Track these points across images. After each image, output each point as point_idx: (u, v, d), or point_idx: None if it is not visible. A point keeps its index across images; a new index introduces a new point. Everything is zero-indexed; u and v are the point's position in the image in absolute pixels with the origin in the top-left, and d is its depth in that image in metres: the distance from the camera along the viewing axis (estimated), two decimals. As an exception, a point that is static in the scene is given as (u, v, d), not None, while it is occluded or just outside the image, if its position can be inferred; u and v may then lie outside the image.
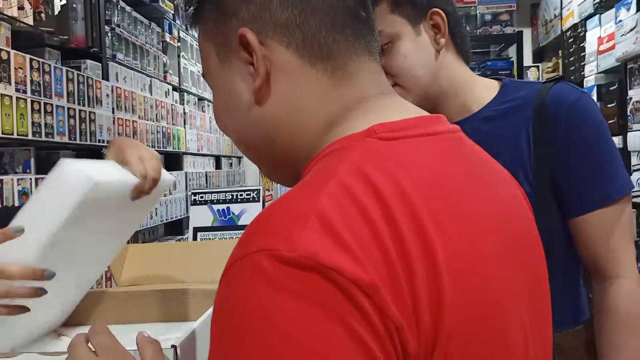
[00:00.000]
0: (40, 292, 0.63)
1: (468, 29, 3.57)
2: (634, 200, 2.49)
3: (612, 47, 2.73)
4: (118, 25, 2.53)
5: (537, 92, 0.86)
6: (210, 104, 4.13)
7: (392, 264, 0.35)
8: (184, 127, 3.38)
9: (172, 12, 3.24)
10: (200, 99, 3.93)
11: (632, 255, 0.85)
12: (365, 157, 0.40)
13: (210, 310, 0.65)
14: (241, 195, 1.18)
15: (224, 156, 4.32)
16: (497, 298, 0.40)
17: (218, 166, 4.20)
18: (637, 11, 2.47)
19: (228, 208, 1.17)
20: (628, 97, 2.55)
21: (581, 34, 3.29)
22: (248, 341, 0.34)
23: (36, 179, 1.77)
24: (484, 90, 0.90)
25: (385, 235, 0.36)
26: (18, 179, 1.69)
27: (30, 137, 1.73)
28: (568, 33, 3.53)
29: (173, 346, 0.55)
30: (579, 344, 0.87)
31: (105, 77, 2.35)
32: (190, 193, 1.47)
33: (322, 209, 0.36)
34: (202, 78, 3.99)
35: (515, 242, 0.45)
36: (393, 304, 0.35)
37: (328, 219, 0.36)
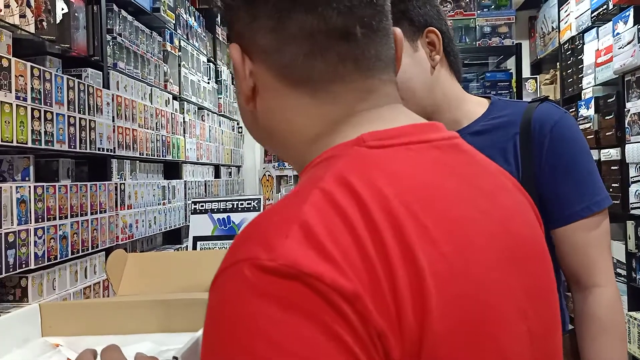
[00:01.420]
0: None
1: (467, 40, 3.60)
2: (633, 211, 2.49)
3: (610, 60, 2.75)
4: (119, 34, 2.54)
5: (523, 110, 0.92)
6: (209, 113, 4.14)
7: (374, 271, 0.36)
8: (184, 136, 3.38)
9: (174, 21, 3.26)
10: (200, 108, 3.93)
11: (610, 264, 0.90)
12: (350, 165, 0.41)
13: (212, 320, 0.64)
14: (241, 204, 1.18)
15: (223, 165, 4.32)
16: (489, 304, 0.40)
17: (217, 175, 4.20)
18: (634, 24, 2.49)
19: (228, 217, 1.17)
20: (626, 109, 2.57)
21: (579, 47, 3.31)
22: (233, 347, 0.35)
23: (35, 187, 1.76)
24: (473, 106, 0.96)
25: (367, 243, 0.36)
26: (17, 187, 1.69)
27: (29, 144, 1.72)
28: (566, 46, 3.55)
29: (175, 357, 0.55)
30: (565, 352, 0.89)
31: (106, 85, 2.36)
32: (190, 202, 1.47)
33: (304, 218, 0.37)
34: (200, 88, 3.97)
35: (516, 250, 0.44)
36: (375, 311, 0.35)
37: (310, 228, 0.36)
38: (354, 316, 0.35)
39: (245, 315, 0.35)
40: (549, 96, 1.08)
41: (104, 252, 2.20)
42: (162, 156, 2.97)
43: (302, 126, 0.46)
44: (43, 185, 1.81)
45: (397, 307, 0.36)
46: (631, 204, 2.50)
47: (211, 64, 4.24)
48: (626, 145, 2.56)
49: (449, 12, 3.59)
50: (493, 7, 3.68)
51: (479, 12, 3.63)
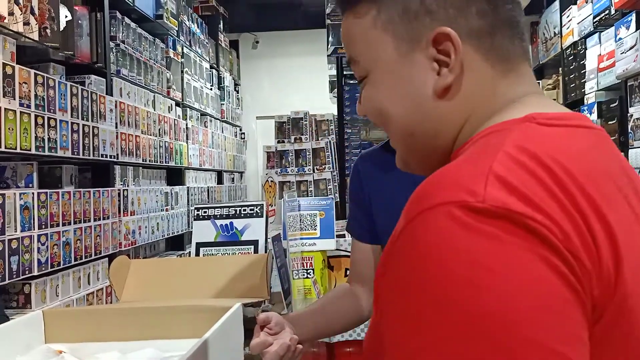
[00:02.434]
0: None
1: (469, 46, 3.60)
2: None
3: (612, 65, 2.74)
4: (123, 41, 2.55)
5: None
6: (212, 119, 4.14)
7: (573, 218, 0.38)
8: (187, 142, 3.39)
9: (176, 28, 3.28)
10: (203, 114, 3.94)
11: None
12: (526, 136, 0.43)
13: (216, 326, 0.64)
14: (244, 210, 1.17)
15: (225, 171, 4.32)
16: None
17: (220, 181, 4.20)
18: (636, 29, 2.49)
19: (231, 223, 1.16)
20: (629, 114, 2.56)
21: (581, 52, 3.31)
22: (453, 278, 0.36)
23: (38, 194, 1.77)
24: None
25: (559, 195, 0.38)
26: (20, 194, 1.69)
27: (33, 151, 1.73)
28: (568, 51, 3.55)
29: (178, 363, 0.54)
30: None
31: (109, 92, 2.37)
32: (193, 208, 1.47)
33: (497, 172, 0.38)
34: (203, 94, 3.97)
35: None
36: (583, 252, 0.37)
37: (505, 179, 0.38)
38: (566, 252, 0.36)
39: (461, 248, 0.36)
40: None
41: (107, 259, 2.20)
42: (165, 162, 2.97)
43: (487, 106, 0.49)
44: (46, 192, 1.82)
45: (598, 250, 0.38)
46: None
47: (214, 70, 4.25)
48: (629, 150, 2.55)
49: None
50: (495, 12, 3.68)
51: (480, 17, 3.63)
